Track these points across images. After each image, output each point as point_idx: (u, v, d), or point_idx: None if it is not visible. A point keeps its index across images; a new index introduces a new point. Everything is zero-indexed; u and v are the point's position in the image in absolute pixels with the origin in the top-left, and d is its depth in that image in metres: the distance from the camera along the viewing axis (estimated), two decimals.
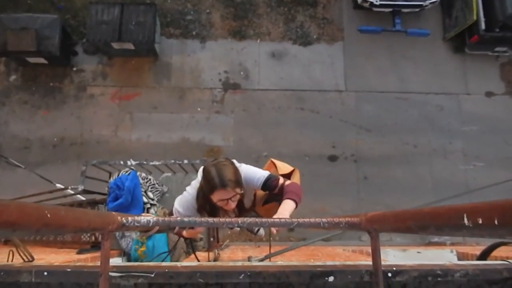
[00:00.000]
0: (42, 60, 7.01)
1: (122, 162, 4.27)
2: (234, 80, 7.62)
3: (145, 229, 1.23)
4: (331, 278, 0.72)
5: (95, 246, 3.69)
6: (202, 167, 2.17)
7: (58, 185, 4.64)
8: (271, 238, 2.73)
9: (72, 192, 4.36)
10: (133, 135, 7.27)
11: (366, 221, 0.70)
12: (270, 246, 2.54)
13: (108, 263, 0.72)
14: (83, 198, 4.52)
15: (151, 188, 4.18)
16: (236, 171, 2.08)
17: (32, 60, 7.00)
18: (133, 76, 7.52)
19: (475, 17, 7.11)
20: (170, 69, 7.63)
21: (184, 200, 2.22)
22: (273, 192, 2.20)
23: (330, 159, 7.26)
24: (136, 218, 0.78)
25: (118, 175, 3.99)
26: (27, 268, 0.78)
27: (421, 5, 7.43)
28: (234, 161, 2.20)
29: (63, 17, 7.30)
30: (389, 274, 0.75)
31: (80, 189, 4.17)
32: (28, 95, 7.39)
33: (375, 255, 0.72)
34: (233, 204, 2.08)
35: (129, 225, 0.75)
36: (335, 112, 7.51)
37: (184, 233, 2.14)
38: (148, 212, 4.02)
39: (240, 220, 0.91)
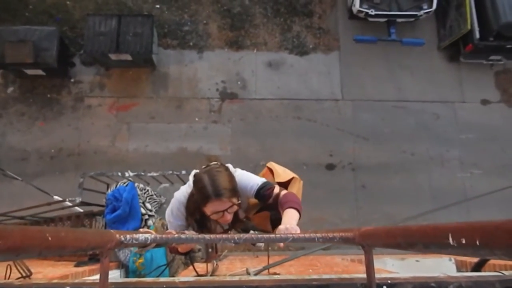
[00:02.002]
0: (40, 72, 7.03)
1: (120, 174, 4.27)
2: (231, 89, 7.66)
3: (143, 245, 1.21)
4: None
5: (93, 258, 3.67)
6: (193, 172, 1.94)
7: (56, 197, 4.63)
8: (269, 248, 2.71)
9: (70, 204, 4.35)
10: (131, 145, 7.27)
11: (360, 236, 0.72)
12: (268, 257, 2.52)
13: (107, 280, 0.72)
14: (81, 210, 4.50)
15: (149, 199, 4.18)
16: (231, 178, 1.87)
17: (30, 72, 7.02)
18: (131, 87, 7.54)
19: (469, 27, 7.20)
20: (168, 79, 7.66)
21: (174, 207, 2.01)
22: (267, 203, 2.01)
23: (328, 168, 7.27)
24: (134, 235, 0.79)
25: (116, 186, 3.99)
26: (27, 286, 0.78)
27: (416, 15, 7.52)
28: (229, 165, 2.00)
29: (61, 29, 7.33)
30: (384, 287, 0.76)
31: (77, 201, 4.16)
32: (26, 106, 7.39)
33: (369, 269, 0.73)
34: (229, 216, 1.85)
35: (127, 243, 0.76)
36: (332, 121, 7.55)
37: (180, 249, 1.97)
38: (146, 223, 4.00)
39: (236, 236, 0.92)
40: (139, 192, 3.99)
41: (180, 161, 7.01)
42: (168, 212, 2.05)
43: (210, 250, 3.64)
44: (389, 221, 6.72)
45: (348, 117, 7.58)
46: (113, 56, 6.91)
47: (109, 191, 3.99)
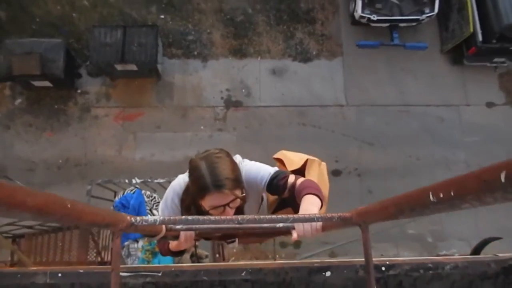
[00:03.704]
0: (46, 83, 7.14)
1: (127, 181, 4.31)
2: (236, 97, 7.71)
3: (152, 234, 1.18)
4: (328, 273, 0.76)
5: (103, 264, 3.69)
6: (190, 160, 1.64)
7: None
8: (277, 256, 2.59)
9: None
10: (137, 155, 7.32)
11: (356, 215, 0.74)
12: (275, 256, 2.48)
13: (119, 260, 0.75)
14: None
15: (156, 206, 4.20)
16: (234, 165, 1.57)
17: (37, 83, 7.13)
18: (136, 97, 7.62)
19: (471, 29, 7.21)
20: (173, 88, 7.74)
21: (168, 198, 1.74)
22: (282, 196, 1.72)
23: (334, 174, 7.26)
24: (144, 218, 0.82)
25: (123, 193, 4.02)
26: (42, 270, 0.82)
27: (418, 19, 7.55)
28: (238, 156, 1.74)
29: (67, 41, 7.45)
30: (383, 268, 0.79)
31: None
32: (33, 117, 7.49)
33: (366, 247, 0.76)
34: (231, 213, 1.53)
35: (138, 224, 0.79)
36: (337, 126, 7.56)
37: (171, 246, 1.62)
38: None
39: (240, 217, 0.91)
40: (146, 199, 4.02)
41: (186, 170, 7.03)
42: (161, 204, 1.79)
43: (217, 255, 3.65)
44: (397, 226, 6.69)
45: (353, 122, 7.59)
46: (118, 67, 7.00)
47: (116, 198, 4.03)
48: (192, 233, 1.55)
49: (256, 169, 1.72)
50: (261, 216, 0.97)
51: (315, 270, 0.78)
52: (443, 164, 7.38)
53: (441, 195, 0.52)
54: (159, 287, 0.77)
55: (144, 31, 7.01)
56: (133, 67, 7.02)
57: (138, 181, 4.23)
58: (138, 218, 0.77)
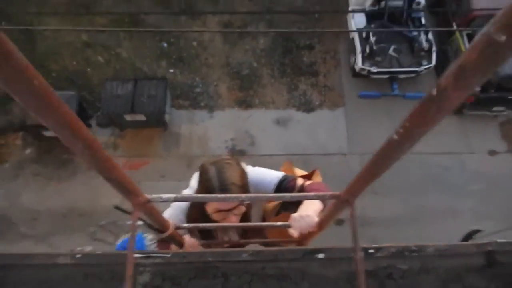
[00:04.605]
0: None
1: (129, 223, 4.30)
2: (241, 146, 7.85)
3: (160, 229, 1.21)
4: (321, 255, 0.82)
5: None
6: (201, 165, 1.65)
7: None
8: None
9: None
10: None
11: (345, 192, 0.81)
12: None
13: (135, 238, 0.83)
14: None
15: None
16: (243, 173, 1.58)
17: (48, 133, 7.35)
18: (143, 146, 7.80)
19: None
20: (179, 138, 7.92)
21: (173, 215, 1.75)
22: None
23: (337, 223, 7.17)
24: (160, 195, 0.89)
25: (125, 237, 4.01)
26: (64, 252, 0.89)
27: (417, 71, 7.85)
28: (244, 164, 1.73)
29: (80, 93, 7.78)
30: (371, 251, 0.83)
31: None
32: (42, 167, 7.63)
33: (353, 222, 0.83)
34: (234, 219, 1.54)
35: (153, 200, 0.86)
36: (341, 175, 7.56)
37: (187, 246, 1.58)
38: None
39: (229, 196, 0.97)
40: (147, 243, 3.98)
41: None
42: (166, 214, 1.76)
43: None
44: None
45: (356, 171, 7.39)
46: (128, 117, 7.24)
47: (118, 241, 4.01)
48: (197, 242, 1.58)
49: (263, 173, 1.73)
50: (254, 195, 1.04)
51: (309, 252, 0.84)
52: (449, 212, 7.28)
53: (401, 130, 0.58)
54: (168, 266, 0.84)
55: (154, 83, 7.33)
56: (142, 117, 7.26)
57: (140, 223, 4.22)
58: (154, 195, 0.85)
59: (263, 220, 1.88)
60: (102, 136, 7.85)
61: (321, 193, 0.92)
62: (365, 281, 0.76)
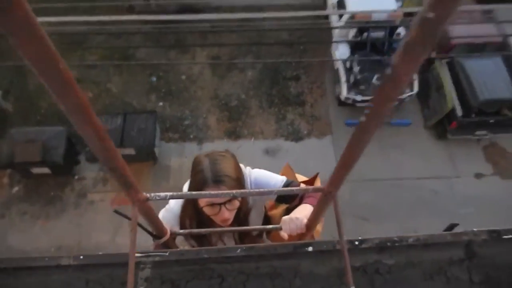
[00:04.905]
0: (46, 170, 7.29)
1: None
2: None
3: (158, 234, 1.22)
4: (310, 248, 0.86)
5: None
6: (195, 157, 1.65)
7: None
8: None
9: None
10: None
11: (328, 185, 0.86)
12: None
13: (135, 239, 0.86)
14: None
15: None
16: (237, 167, 1.56)
17: (36, 170, 7.28)
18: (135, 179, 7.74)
19: (450, 106, 7.70)
20: (169, 171, 7.91)
21: (164, 220, 1.60)
22: (291, 204, 1.69)
23: None
24: (157, 193, 0.92)
25: None
26: (66, 255, 0.91)
27: (400, 98, 8.08)
28: (248, 168, 1.72)
29: (69, 129, 7.79)
30: (356, 242, 0.88)
31: None
32: (29, 205, 7.50)
33: (337, 211, 0.88)
34: (227, 214, 1.49)
35: (151, 199, 0.88)
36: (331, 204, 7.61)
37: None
38: None
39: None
40: None
41: None
42: (160, 215, 1.71)
43: None
44: None
45: (347, 199, 7.66)
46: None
47: None
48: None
49: (267, 176, 1.71)
50: (242, 191, 1.09)
51: (299, 246, 0.89)
52: None
53: (368, 111, 0.64)
54: (167, 263, 0.88)
55: (144, 117, 7.40)
56: (131, 151, 7.26)
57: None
58: (152, 194, 0.88)
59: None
60: (90, 171, 7.80)
61: (306, 187, 0.97)
62: (351, 269, 0.82)
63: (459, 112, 7.69)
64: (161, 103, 8.57)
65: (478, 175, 8.00)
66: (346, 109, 8.49)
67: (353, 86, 8.00)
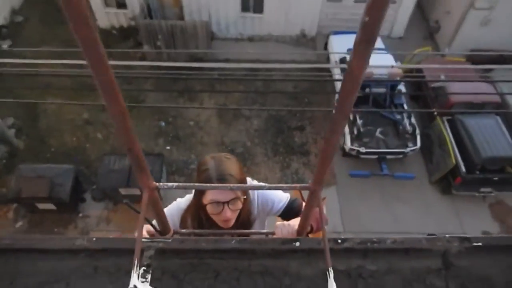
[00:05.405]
0: (51, 206, 7.35)
1: None
2: None
3: (161, 231, 1.26)
4: (297, 243, 0.92)
5: None
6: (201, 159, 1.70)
7: None
8: None
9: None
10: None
11: (313, 183, 0.93)
12: None
13: (143, 224, 0.94)
14: None
15: None
16: (241, 169, 1.63)
17: (41, 206, 7.35)
18: (136, 221, 7.73)
19: (454, 162, 7.78)
20: None
21: (175, 203, 1.82)
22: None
23: None
24: (166, 183, 1.01)
25: None
26: (81, 236, 0.96)
27: (403, 152, 8.22)
28: (250, 179, 1.78)
29: (77, 168, 7.96)
30: (339, 241, 0.93)
31: None
32: None
33: (320, 208, 0.94)
34: (229, 213, 1.55)
35: (160, 188, 0.97)
36: None
37: None
38: None
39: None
40: None
41: None
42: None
43: None
44: None
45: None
46: (123, 191, 7.33)
47: None
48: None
49: (272, 193, 1.81)
50: (237, 185, 1.16)
51: (287, 241, 0.95)
52: None
53: (336, 104, 0.73)
54: (169, 249, 0.94)
55: (151, 159, 7.56)
56: (137, 191, 7.34)
57: None
58: (161, 183, 0.96)
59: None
60: (95, 209, 7.84)
61: (293, 185, 1.06)
62: (335, 271, 0.88)
63: (462, 168, 7.74)
64: (168, 147, 8.79)
65: (485, 233, 7.86)
66: (351, 160, 8.62)
67: (357, 138, 8.19)
